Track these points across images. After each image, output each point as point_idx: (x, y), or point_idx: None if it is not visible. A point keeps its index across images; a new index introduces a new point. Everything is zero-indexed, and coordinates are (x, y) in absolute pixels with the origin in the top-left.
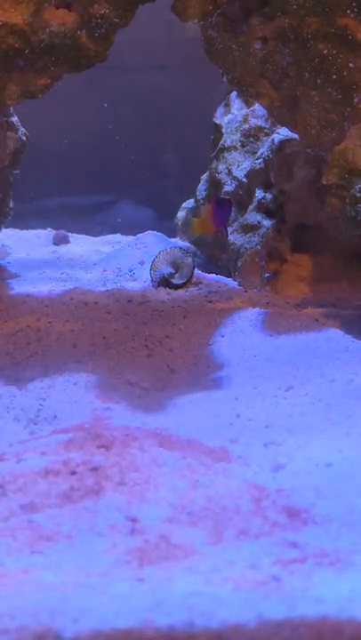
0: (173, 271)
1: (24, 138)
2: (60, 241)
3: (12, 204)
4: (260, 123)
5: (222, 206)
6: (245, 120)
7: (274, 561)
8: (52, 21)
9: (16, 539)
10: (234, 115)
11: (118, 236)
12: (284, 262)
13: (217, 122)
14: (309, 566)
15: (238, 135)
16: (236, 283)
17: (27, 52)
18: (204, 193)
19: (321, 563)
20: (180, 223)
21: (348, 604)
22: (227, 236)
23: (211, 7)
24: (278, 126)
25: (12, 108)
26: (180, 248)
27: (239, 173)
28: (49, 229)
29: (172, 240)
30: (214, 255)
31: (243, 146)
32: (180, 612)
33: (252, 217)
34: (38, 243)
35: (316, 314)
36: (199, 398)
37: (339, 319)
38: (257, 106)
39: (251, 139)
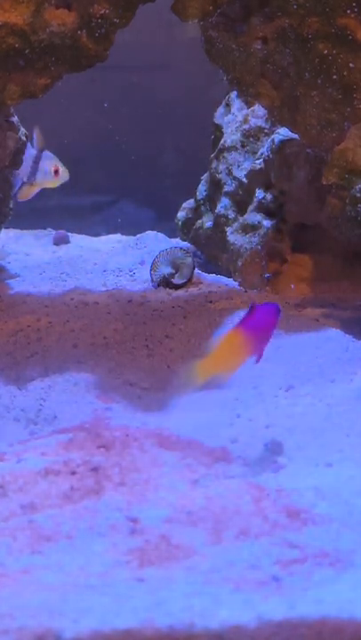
0: (173, 271)
1: (24, 138)
2: (60, 241)
3: (11, 205)
4: (260, 123)
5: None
6: (245, 120)
7: (274, 561)
8: (52, 21)
9: (16, 539)
10: (234, 115)
11: (118, 236)
12: (284, 262)
13: (217, 122)
14: (309, 566)
15: (238, 135)
16: (236, 283)
17: (27, 51)
18: (204, 193)
19: (321, 563)
20: (180, 223)
21: (348, 604)
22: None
23: (211, 7)
24: (278, 126)
25: (12, 108)
26: (181, 248)
27: (239, 173)
28: (49, 229)
29: (173, 240)
30: (214, 255)
31: (243, 146)
32: (180, 612)
33: (253, 217)
34: (38, 243)
35: (317, 314)
36: (199, 398)
37: (339, 319)
38: (257, 106)
39: (251, 139)
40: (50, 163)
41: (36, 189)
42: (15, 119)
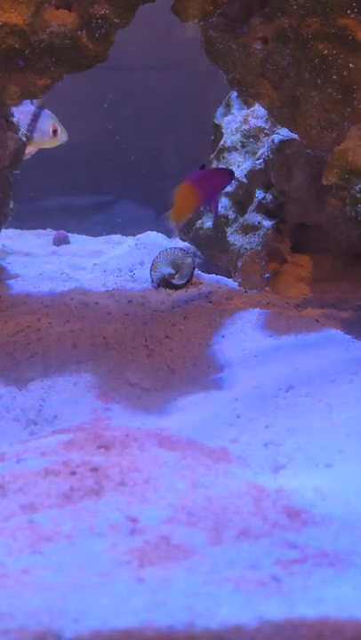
0: (173, 271)
1: (24, 138)
2: (60, 241)
3: (12, 205)
4: (260, 123)
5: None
6: (246, 120)
7: (274, 561)
8: (52, 22)
9: (16, 539)
10: (234, 115)
11: (118, 236)
12: (284, 262)
13: (217, 122)
14: (309, 567)
15: (238, 136)
16: (236, 283)
17: (27, 52)
18: None
19: (321, 563)
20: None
21: (348, 604)
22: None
23: (211, 7)
24: (278, 127)
25: (12, 109)
26: (181, 248)
27: (239, 174)
28: (49, 229)
29: (172, 240)
30: (214, 255)
31: (243, 146)
32: (180, 612)
33: (253, 217)
34: (38, 243)
35: (317, 314)
36: (199, 398)
37: (339, 319)
38: (257, 106)
39: (251, 139)
40: (48, 122)
41: (32, 149)
42: (15, 119)
